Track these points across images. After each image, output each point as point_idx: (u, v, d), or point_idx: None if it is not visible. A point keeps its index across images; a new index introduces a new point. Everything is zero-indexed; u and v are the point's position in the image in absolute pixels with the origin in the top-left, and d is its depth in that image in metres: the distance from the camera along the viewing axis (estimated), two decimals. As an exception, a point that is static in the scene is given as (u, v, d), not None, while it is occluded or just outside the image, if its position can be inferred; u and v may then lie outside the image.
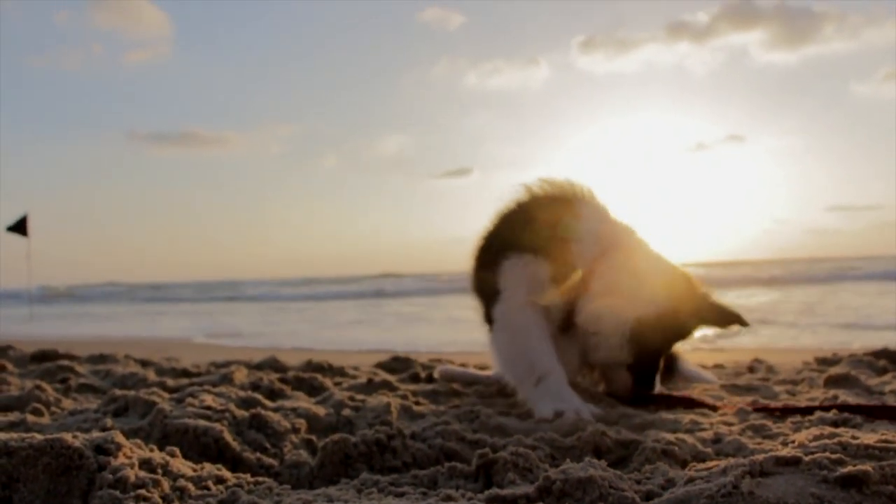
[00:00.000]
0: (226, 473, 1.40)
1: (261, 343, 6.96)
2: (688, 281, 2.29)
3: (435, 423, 1.79)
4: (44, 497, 1.20)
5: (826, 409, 1.90)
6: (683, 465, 1.46)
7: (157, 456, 1.36)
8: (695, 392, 2.53)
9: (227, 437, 1.63)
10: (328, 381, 2.71)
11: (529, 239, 2.24)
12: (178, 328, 9.71)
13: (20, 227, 11.36)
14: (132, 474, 1.24)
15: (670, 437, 1.61)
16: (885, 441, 1.23)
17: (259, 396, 2.11)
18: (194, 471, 1.38)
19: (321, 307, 15.12)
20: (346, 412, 2.01)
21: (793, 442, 1.37)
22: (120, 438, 1.34)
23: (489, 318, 2.33)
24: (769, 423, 1.86)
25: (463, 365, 3.21)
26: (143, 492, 1.21)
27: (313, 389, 2.57)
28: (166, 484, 1.27)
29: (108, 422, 1.79)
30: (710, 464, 1.30)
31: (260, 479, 1.41)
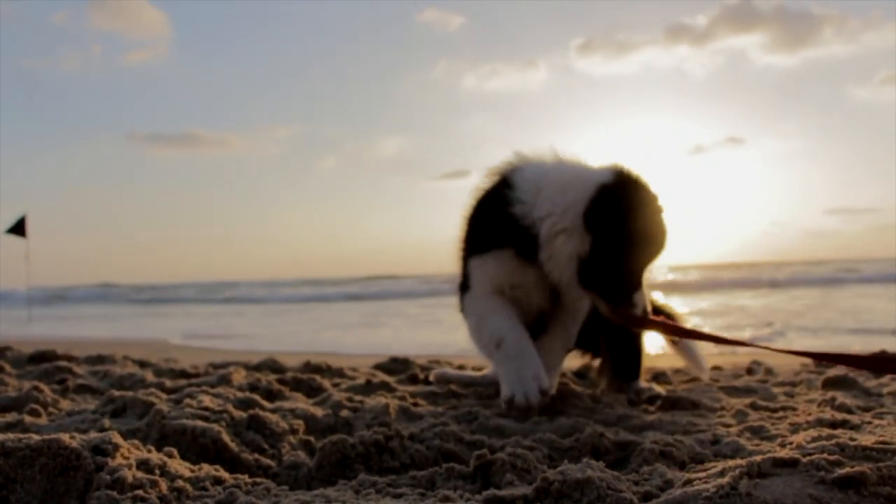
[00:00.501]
0: (224, 474, 1.40)
1: (258, 345, 6.95)
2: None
3: (433, 425, 1.79)
4: (41, 497, 1.20)
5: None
6: (682, 466, 1.46)
7: (155, 457, 1.36)
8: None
9: (225, 437, 1.62)
10: (326, 383, 2.71)
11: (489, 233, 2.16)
12: (177, 329, 9.70)
13: (19, 229, 11.35)
14: (130, 475, 1.24)
15: (668, 438, 1.61)
16: (883, 442, 1.23)
17: (257, 397, 2.11)
18: (192, 471, 1.38)
19: (319, 308, 15.12)
20: (345, 413, 2.01)
21: (791, 443, 1.38)
22: (117, 439, 1.33)
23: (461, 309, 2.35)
24: (767, 424, 1.86)
25: (460, 367, 3.21)
26: (140, 492, 1.21)
27: (312, 390, 2.57)
28: (164, 484, 1.26)
29: (106, 422, 1.79)
30: (708, 465, 1.30)
31: (258, 479, 1.41)
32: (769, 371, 3.32)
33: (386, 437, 1.58)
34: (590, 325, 2.38)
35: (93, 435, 1.36)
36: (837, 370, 2.88)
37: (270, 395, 2.39)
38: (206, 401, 1.94)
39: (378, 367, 3.42)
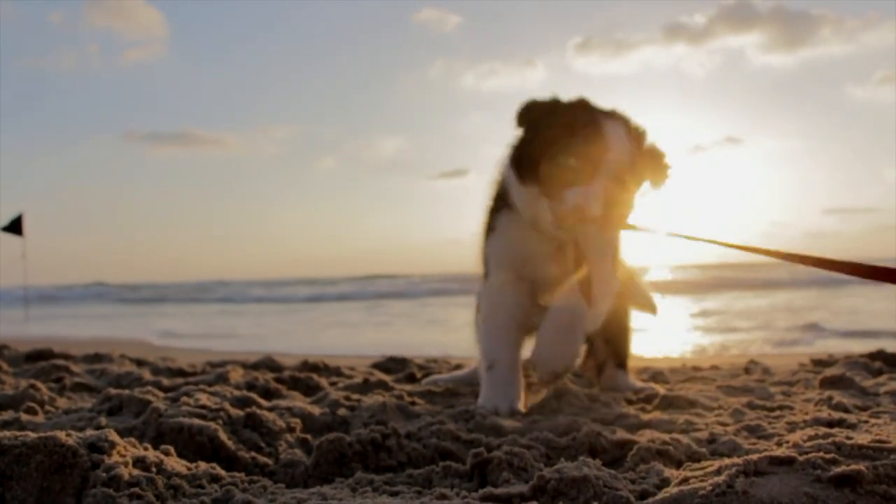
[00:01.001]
0: (220, 472, 1.40)
1: (255, 345, 6.94)
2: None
3: (430, 423, 1.78)
4: (37, 495, 1.20)
5: None
6: (678, 465, 1.46)
7: (152, 454, 1.36)
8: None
9: (222, 436, 1.62)
10: (324, 381, 2.71)
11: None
12: (178, 329, 9.69)
13: (15, 227, 11.33)
14: (126, 472, 1.24)
15: (665, 437, 1.61)
16: (879, 441, 1.23)
17: (254, 396, 2.11)
18: (189, 469, 1.37)
19: (318, 308, 15.11)
20: (342, 412, 2.01)
21: (787, 442, 1.38)
22: (114, 437, 1.33)
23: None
24: (764, 423, 1.86)
25: (458, 367, 3.21)
26: (136, 490, 1.20)
27: (309, 389, 2.57)
28: (160, 482, 1.26)
29: (103, 420, 1.78)
30: (704, 464, 1.30)
31: (254, 477, 1.41)
32: (766, 370, 3.33)
33: (383, 435, 1.58)
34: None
35: (89, 433, 1.36)
36: (834, 369, 2.88)
37: (268, 394, 2.39)
38: (203, 399, 1.94)
39: (375, 366, 3.43)
